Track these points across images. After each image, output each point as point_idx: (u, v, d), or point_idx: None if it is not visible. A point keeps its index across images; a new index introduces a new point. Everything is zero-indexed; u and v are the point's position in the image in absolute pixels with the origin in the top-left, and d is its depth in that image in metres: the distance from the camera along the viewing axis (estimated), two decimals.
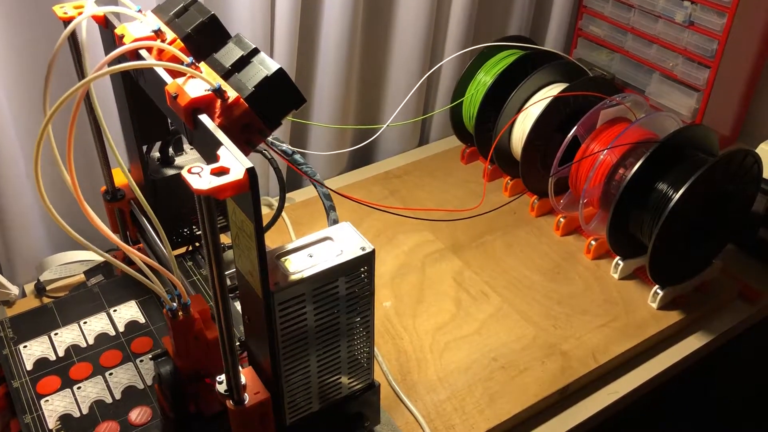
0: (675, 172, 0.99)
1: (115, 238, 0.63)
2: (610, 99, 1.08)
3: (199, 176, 0.52)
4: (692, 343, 1.02)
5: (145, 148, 0.89)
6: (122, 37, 0.70)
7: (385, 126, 1.10)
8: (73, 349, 0.82)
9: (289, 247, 0.66)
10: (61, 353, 0.82)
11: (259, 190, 0.54)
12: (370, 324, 0.71)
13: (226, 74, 0.62)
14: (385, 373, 0.94)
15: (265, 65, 0.60)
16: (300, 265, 0.64)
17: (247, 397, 0.66)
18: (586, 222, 1.11)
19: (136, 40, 0.69)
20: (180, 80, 0.61)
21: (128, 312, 0.87)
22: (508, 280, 1.09)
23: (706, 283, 1.08)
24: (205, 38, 0.69)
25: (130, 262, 0.68)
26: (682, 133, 1.02)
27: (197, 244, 1.00)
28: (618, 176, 1.06)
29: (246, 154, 0.61)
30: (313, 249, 0.66)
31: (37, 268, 1.07)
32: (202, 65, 0.64)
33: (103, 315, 0.87)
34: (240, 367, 0.69)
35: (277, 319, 0.63)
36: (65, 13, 0.76)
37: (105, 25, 0.77)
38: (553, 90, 1.16)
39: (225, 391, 0.66)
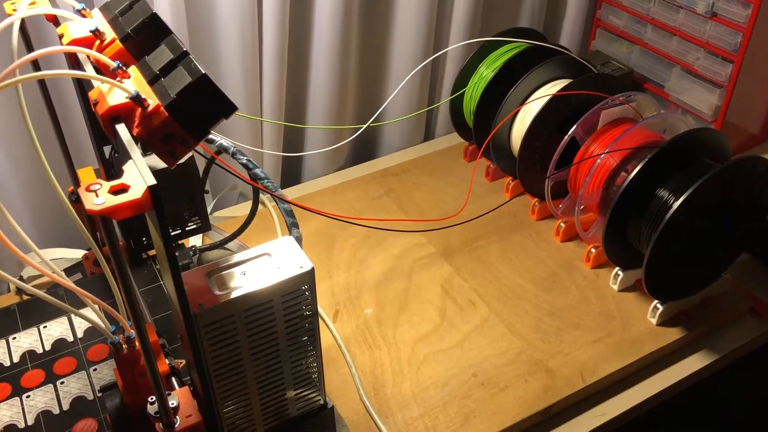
0: (677, 179, 0.92)
1: (48, 272, 0.60)
2: (612, 98, 1.00)
3: (96, 194, 0.48)
4: (693, 363, 0.95)
5: (111, 149, 0.86)
6: (62, 36, 0.67)
7: (365, 126, 1.04)
8: (29, 355, 0.81)
9: (223, 263, 0.62)
10: (16, 359, 0.80)
11: (164, 209, 0.50)
12: (316, 343, 0.67)
13: (153, 79, 0.58)
14: (358, 386, 0.89)
15: (191, 71, 0.56)
16: (230, 285, 0.60)
17: (178, 420, 0.62)
18: (584, 229, 1.04)
19: (72, 41, 0.65)
20: (105, 86, 0.58)
21: (90, 317, 0.85)
22: (499, 289, 1.03)
23: (714, 298, 1.00)
24: (146, 39, 0.65)
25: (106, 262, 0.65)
26: (689, 136, 0.94)
27: (174, 244, 0.98)
28: (619, 180, 0.99)
29: (170, 165, 0.57)
30: (249, 266, 0.62)
31: (19, 264, 1.06)
32: (133, 69, 0.60)
33: (64, 320, 0.85)
34: (176, 388, 0.66)
35: (204, 341, 0.59)
36: (15, 9, 0.73)
37: (56, 24, 0.74)
38: (556, 87, 1.09)
39: (155, 413, 0.62)
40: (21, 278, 1.06)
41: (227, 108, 0.57)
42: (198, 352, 0.59)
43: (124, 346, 0.66)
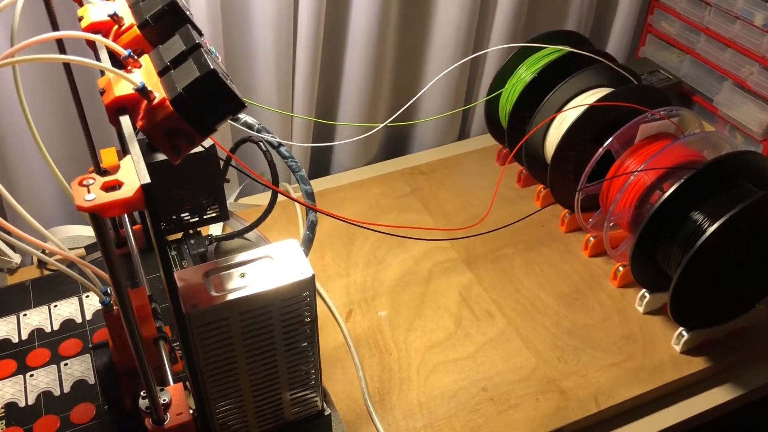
0: (714, 203, 0.87)
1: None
2: (652, 112, 0.96)
3: (88, 189, 0.47)
4: (716, 396, 0.91)
5: None
6: (82, 19, 0.66)
7: (382, 125, 1.02)
8: (37, 333, 0.81)
9: (223, 263, 0.60)
10: (24, 336, 0.81)
11: (157, 208, 0.48)
12: (315, 350, 0.65)
13: (163, 71, 0.57)
14: (363, 390, 0.88)
15: (200, 64, 0.54)
16: (227, 286, 0.58)
17: (168, 417, 0.61)
18: (614, 245, 1.00)
19: (90, 24, 0.64)
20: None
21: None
22: (519, 301, 1.00)
23: (745, 329, 0.95)
24: (164, 26, 0.63)
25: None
26: (731, 158, 0.89)
27: (191, 231, 0.97)
28: (653, 199, 0.95)
29: (173, 161, 0.56)
30: (249, 268, 0.60)
31: (41, 238, 1.07)
32: (145, 59, 0.59)
33: (75, 300, 0.85)
34: (170, 383, 0.65)
35: (197, 342, 0.58)
36: None
37: (80, 3, 0.73)
38: (596, 95, 1.04)
39: (146, 408, 0.62)
40: (43, 251, 1.07)
41: (235, 105, 0.55)
42: (190, 351, 0.58)
43: (115, 307, 0.66)
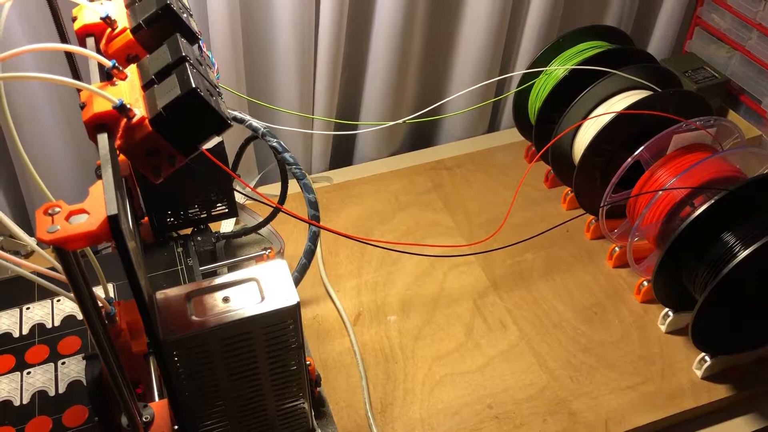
0: (748, 226, 0.81)
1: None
2: (688, 122, 0.89)
3: (52, 220, 0.45)
4: (737, 427, 0.86)
5: None
6: (76, 19, 0.64)
7: (399, 122, 0.97)
8: (38, 328, 0.80)
9: (207, 285, 0.58)
10: (25, 331, 0.80)
11: (125, 241, 0.46)
12: (301, 376, 0.63)
13: (148, 84, 0.54)
14: (365, 400, 0.86)
15: (182, 81, 0.51)
16: (208, 311, 0.56)
17: None
18: (637, 258, 0.95)
19: (83, 27, 0.62)
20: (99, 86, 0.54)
21: (102, 295, 0.84)
22: (535, 313, 0.96)
23: None
24: (159, 31, 0.61)
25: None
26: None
27: (202, 226, 0.95)
28: (683, 213, 0.89)
29: (154, 181, 0.54)
30: (233, 291, 0.58)
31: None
32: (132, 69, 0.56)
33: None
34: (155, 398, 0.64)
35: (175, 366, 0.56)
36: None
37: None
38: (631, 98, 0.98)
39: (127, 425, 0.60)
40: None
41: (218, 125, 0.52)
42: (168, 376, 0.56)
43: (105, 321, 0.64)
